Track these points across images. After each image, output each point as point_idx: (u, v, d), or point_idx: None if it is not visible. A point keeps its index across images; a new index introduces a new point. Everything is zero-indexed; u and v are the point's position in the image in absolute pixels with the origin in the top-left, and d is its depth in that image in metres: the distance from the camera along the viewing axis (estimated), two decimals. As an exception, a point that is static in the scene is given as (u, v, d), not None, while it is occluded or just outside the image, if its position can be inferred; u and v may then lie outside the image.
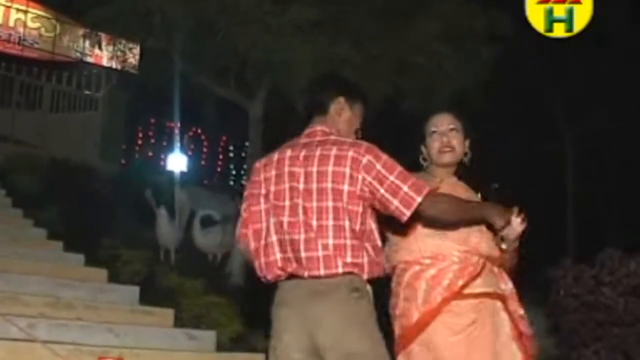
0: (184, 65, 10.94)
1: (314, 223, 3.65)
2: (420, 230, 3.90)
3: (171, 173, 14.75)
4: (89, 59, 17.62)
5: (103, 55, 17.05)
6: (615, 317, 7.74)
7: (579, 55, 15.51)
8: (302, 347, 3.63)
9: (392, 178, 3.64)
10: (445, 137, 4.02)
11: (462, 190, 4.03)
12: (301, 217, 3.68)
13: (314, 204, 3.67)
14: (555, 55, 16.10)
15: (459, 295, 3.84)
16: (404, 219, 3.65)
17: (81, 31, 16.26)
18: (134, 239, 9.80)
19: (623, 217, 18.53)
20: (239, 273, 10.09)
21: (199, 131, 18.25)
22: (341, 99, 3.91)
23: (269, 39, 9.52)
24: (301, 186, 3.71)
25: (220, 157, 18.88)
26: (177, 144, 16.14)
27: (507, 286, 3.98)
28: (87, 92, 16.32)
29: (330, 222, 3.65)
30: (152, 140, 17.54)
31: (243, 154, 17.25)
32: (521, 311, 3.96)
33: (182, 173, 15.06)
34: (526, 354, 3.90)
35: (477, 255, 3.91)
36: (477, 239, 3.92)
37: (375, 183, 3.64)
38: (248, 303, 7.95)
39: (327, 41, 9.86)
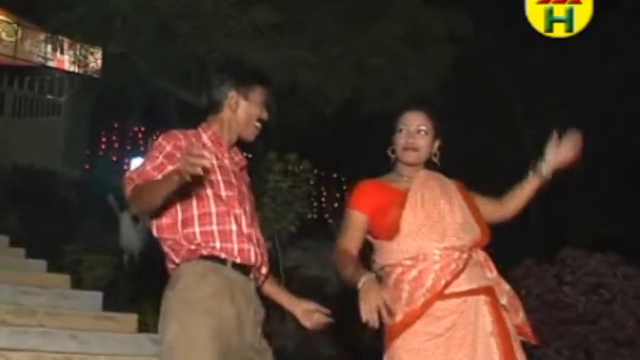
0: (146, 69, 10.92)
1: None
2: (400, 232, 3.88)
3: (135, 177, 14.68)
4: (51, 64, 17.49)
5: (65, 60, 16.95)
6: (576, 315, 7.80)
7: (538, 55, 15.62)
8: None
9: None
10: (412, 137, 3.98)
11: (435, 183, 4.02)
12: None
13: None
14: (515, 55, 16.21)
15: (441, 296, 3.82)
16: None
17: (43, 36, 16.18)
18: (97, 244, 9.76)
19: (585, 215, 18.68)
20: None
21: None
22: (233, 93, 3.81)
23: (228, 42, 9.52)
24: None
25: (184, 160, 18.77)
26: (141, 148, 16.09)
27: (492, 274, 3.97)
28: (50, 97, 16.25)
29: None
30: (116, 145, 17.45)
31: (207, 157, 17.23)
32: (503, 300, 3.93)
33: (146, 177, 15.01)
34: (505, 349, 3.82)
35: (459, 250, 3.88)
36: (454, 229, 3.90)
37: None
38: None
39: (287, 43, 9.88)
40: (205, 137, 3.80)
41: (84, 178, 14.42)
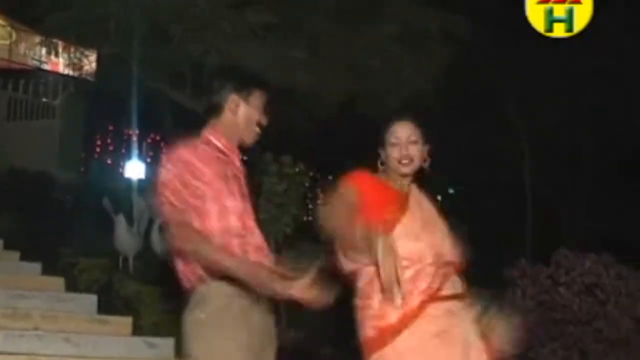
0: (141, 72, 10.92)
1: None
2: (397, 234, 3.80)
3: (130, 180, 14.68)
4: (46, 67, 17.48)
5: (60, 63, 16.93)
6: (571, 316, 7.82)
7: (531, 51, 15.62)
8: None
9: None
10: (405, 149, 3.98)
11: (426, 205, 4.07)
12: None
13: None
14: (508, 52, 16.21)
15: (436, 297, 3.83)
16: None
17: (37, 38, 16.15)
18: (92, 247, 9.75)
19: (580, 212, 18.71)
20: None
21: (158, 138, 18.18)
22: (234, 96, 3.77)
23: (223, 44, 9.52)
24: None
25: (180, 163, 18.74)
26: (136, 151, 16.06)
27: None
28: (45, 100, 16.24)
29: None
30: (111, 148, 17.45)
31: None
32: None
33: (141, 180, 15.00)
34: (492, 354, 3.88)
35: (445, 259, 3.91)
36: (444, 242, 3.94)
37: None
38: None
39: (282, 45, 9.88)
40: (221, 146, 3.76)
41: (79, 181, 14.40)
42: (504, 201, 17.52)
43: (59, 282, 8.12)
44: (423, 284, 3.83)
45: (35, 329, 6.76)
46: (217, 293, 3.62)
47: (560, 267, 8.05)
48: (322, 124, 11.65)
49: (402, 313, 3.78)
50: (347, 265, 3.88)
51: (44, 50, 16.64)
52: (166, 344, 7.15)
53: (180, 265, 3.71)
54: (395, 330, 3.79)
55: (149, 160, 17.24)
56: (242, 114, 3.78)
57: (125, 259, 10.23)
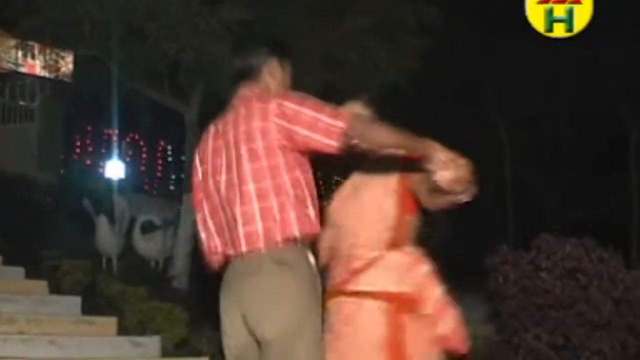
0: (118, 72, 10.88)
1: (237, 200, 3.42)
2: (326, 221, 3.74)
3: (110, 180, 14.68)
4: (23, 69, 17.43)
5: (36, 65, 16.88)
6: (553, 300, 7.87)
7: (509, 42, 15.69)
8: (240, 335, 3.45)
9: (306, 111, 3.35)
10: None
11: (348, 182, 3.98)
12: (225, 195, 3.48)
13: (234, 175, 3.45)
14: (486, 43, 16.29)
15: (339, 292, 3.71)
16: (333, 151, 3.32)
17: (13, 41, 16.10)
18: (74, 248, 9.73)
19: (560, 201, 18.83)
20: (182, 277, 10.08)
21: (137, 137, 18.15)
22: (273, 60, 3.64)
23: (198, 41, 9.50)
24: (223, 161, 3.52)
25: (159, 162, 18.78)
26: (115, 151, 16.05)
27: (414, 280, 3.73)
28: (22, 103, 16.16)
29: (252, 189, 3.39)
30: (90, 148, 17.40)
31: (182, 158, 17.23)
32: (429, 309, 3.72)
33: (122, 179, 15.00)
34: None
35: (365, 248, 3.73)
36: (368, 229, 3.75)
37: (288, 125, 3.35)
38: (191, 307, 7.96)
39: (258, 40, 9.86)
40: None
41: (59, 182, 14.36)
42: (485, 191, 17.60)
43: (42, 285, 8.11)
44: (331, 276, 3.76)
45: (20, 332, 6.76)
46: (303, 258, 3.41)
47: (541, 252, 8.09)
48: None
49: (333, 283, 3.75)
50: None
51: (20, 53, 16.60)
52: (152, 343, 7.17)
53: (263, 222, 3.36)
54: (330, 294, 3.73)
55: (128, 159, 17.23)
56: (278, 80, 3.64)
57: (109, 259, 10.24)
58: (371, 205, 3.77)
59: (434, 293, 3.75)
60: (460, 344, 3.79)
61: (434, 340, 3.72)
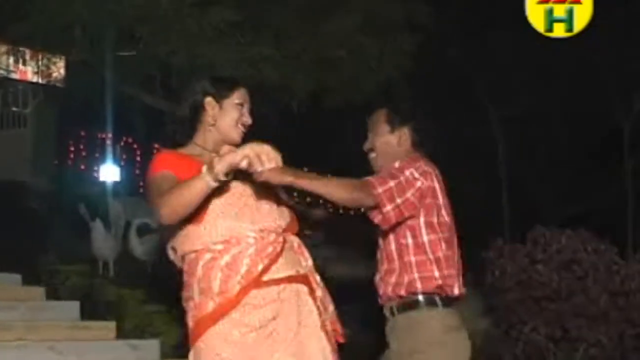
0: (110, 76, 10.89)
1: None
2: (212, 213, 3.51)
3: (105, 184, 14.67)
4: (14, 76, 17.34)
5: (28, 71, 16.83)
6: (550, 292, 7.90)
7: (502, 39, 15.73)
8: None
9: None
10: (246, 116, 3.75)
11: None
12: None
13: None
14: (478, 40, 16.32)
15: (258, 283, 3.50)
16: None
17: (3, 48, 16.03)
18: (71, 254, 9.73)
19: (556, 195, 18.86)
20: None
21: (130, 140, 18.13)
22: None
23: (189, 43, 9.50)
24: None
25: (154, 164, 18.68)
26: (109, 155, 16.03)
27: (307, 263, 3.71)
28: (15, 109, 16.13)
29: None
30: (84, 153, 17.38)
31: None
32: (319, 292, 3.69)
33: (116, 183, 14.99)
34: (332, 346, 3.65)
35: (275, 232, 3.59)
36: (268, 211, 3.61)
37: None
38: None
39: (248, 41, 9.85)
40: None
41: (53, 188, 14.35)
42: (479, 187, 17.63)
43: (39, 291, 8.10)
44: (243, 268, 3.49)
45: (19, 339, 6.75)
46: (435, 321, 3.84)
47: (537, 245, 8.13)
48: (295, 117, 11.65)
49: (220, 302, 3.49)
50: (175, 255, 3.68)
51: (11, 60, 16.49)
52: (151, 346, 7.16)
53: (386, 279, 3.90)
54: (210, 322, 3.50)
55: (122, 163, 17.22)
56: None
57: (106, 264, 10.23)
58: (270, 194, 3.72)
59: (317, 276, 3.77)
60: (340, 331, 3.77)
61: None
